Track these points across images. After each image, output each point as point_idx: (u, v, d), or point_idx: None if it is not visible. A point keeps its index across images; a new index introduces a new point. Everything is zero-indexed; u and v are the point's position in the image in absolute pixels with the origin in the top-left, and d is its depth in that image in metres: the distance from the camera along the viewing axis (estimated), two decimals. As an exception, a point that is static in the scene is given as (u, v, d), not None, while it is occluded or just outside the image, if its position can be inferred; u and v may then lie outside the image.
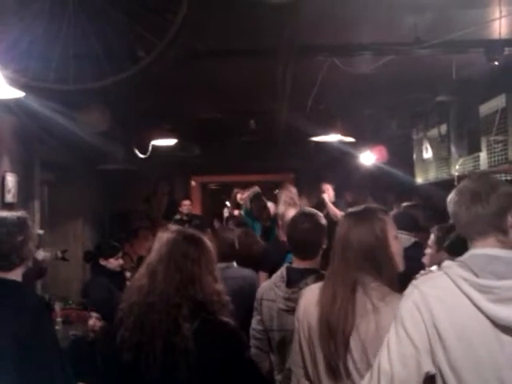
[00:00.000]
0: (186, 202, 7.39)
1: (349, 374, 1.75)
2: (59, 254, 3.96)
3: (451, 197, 1.57)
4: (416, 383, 1.43)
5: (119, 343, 1.84)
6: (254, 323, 2.68)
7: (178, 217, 7.09)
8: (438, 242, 2.94)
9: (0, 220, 2.20)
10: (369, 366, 1.63)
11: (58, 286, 5.08)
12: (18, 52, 2.33)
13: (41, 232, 4.13)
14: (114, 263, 4.29)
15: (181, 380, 1.78)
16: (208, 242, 2.01)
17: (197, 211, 8.74)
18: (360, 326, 1.76)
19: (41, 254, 3.81)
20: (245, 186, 7.33)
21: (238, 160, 8.31)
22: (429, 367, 1.42)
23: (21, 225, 2.23)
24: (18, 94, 2.59)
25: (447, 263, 1.50)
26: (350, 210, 2.01)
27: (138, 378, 1.82)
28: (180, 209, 7.30)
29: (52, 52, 2.27)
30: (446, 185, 5.03)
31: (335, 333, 1.77)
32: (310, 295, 1.96)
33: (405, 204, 4.75)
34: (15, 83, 2.37)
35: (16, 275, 2.19)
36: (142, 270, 1.97)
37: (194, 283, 1.87)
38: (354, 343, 1.76)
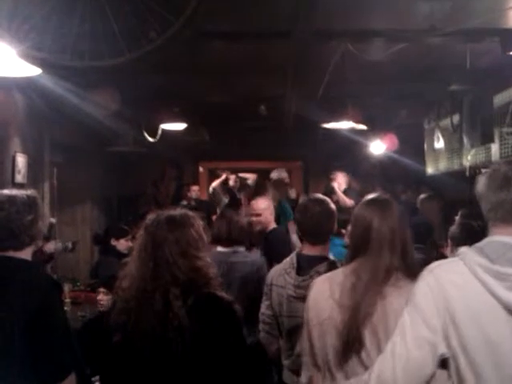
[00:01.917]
0: (195, 188, 7.42)
1: (361, 360, 1.76)
2: (70, 246, 3.97)
3: (482, 178, 1.54)
4: (431, 365, 1.43)
5: (109, 325, 1.90)
6: (264, 308, 2.68)
7: (184, 202, 7.10)
8: (454, 239, 2.84)
9: (10, 198, 2.16)
10: (379, 350, 1.63)
11: (66, 267, 5.09)
12: (32, 27, 2.30)
13: (53, 220, 4.11)
14: (124, 244, 4.40)
15: (174, 356, 1.81)
16: (186, 219, 2.01)
17: (204, 197, 8.75)
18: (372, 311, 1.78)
19: (51, 247, 3.81)
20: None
21: (245, 146, 8.29)
22: (443, 349, 1.42)
23: (30, 204, 2.19)
24: (34, 71, 2.56)
25: (463, 249, 1.49)
26: (370, 197, 2.00)
27: (131, 357, 1.86)
28: (188, 194, 7.31)
29: (68, 28, 2.25)
30: (458, 175, 5.00)
31: (359, 321, 1.77)
32: (322, 284, 1.97)
33: (422, 196, 4.73)
34: (30, 59, 2.34)
35: (26, 254, 2.17)
36: (130, 256, 2.02)
37: (175, 264, 1.89)
38: (366, 329, 1.77)
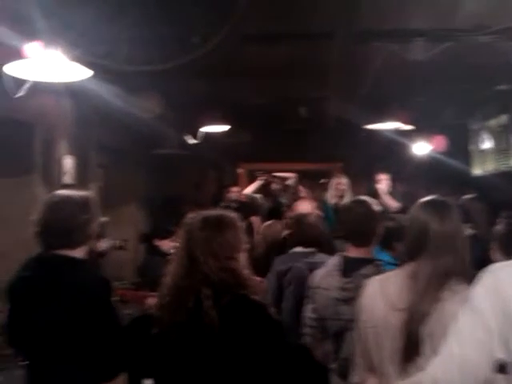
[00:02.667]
0: (235, 189, 7.44)
1: (419, 368, 1.69)
2: (118, 243, 4.09)
3: None
4: (486, 369, 1.39)
5: (151, 320, 1.94)
6: (308, 311, 2.66)
7: (223, 204, 7.13)
8: (499, 241, 2.73)
9: (64, 199, 2.22)
10: (434, 352, 1.60)
11: (111, 266, 5.21)
12: (82, 33, 2.36)
13: (105, 219, 4.22)
14: (168, 245, 4.42)
15: (205, 356, 1.83)
16: (222, 220, 2.01)
17: (243, 198, 8.78)
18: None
19: (103, 245, 3.92)
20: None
21: (285, 148, 8.28)
22: (501, 354, 1.38)
23: (84, 204, 2.25)
24: (84, 76, 2.62)
25: None
26: (427, 199, 1.97)
27: (166, 353, 1.90)
28: (228, 195, 7.34)
29: (119, 33, 2.30)
30: (505, 177, 4.87)
31: (416, 327, 1.75)
32: (375, 284, 1.95)
33: (464, 197, 4.62)
34: (82, 62, 2.39)
35: (79, 253, 2.21)
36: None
37: (206, 263, 1.90)
38: (424, 335, 1.74)
